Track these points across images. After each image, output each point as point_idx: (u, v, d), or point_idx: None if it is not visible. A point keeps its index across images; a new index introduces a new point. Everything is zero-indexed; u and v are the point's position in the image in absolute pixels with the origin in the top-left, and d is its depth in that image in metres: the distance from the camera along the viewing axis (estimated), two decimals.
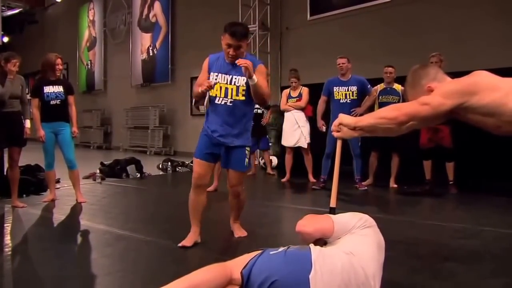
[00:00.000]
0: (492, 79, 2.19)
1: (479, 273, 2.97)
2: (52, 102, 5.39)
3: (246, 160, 3.64)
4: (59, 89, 5.46)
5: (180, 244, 3.53)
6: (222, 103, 3.46)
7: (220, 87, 3.46)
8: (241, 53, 3.42)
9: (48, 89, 5.39)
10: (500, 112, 2.08)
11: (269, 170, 8.53)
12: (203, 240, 3.64)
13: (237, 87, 3.46)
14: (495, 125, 2.14)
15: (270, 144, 9.14)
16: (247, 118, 3.62)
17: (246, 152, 3.62)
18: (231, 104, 3.46)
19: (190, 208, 3.64)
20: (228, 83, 3.46)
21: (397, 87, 6.52)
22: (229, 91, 3.45)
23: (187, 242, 3.56)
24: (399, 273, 2.89)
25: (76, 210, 5.19)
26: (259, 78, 3.40)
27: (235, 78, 3.46)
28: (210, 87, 3.33)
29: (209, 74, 3.50)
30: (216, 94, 3.47)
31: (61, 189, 5.97)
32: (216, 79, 3.45)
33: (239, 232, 3.94)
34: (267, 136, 8.56)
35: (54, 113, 5.41)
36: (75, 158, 5.59)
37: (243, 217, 4.41)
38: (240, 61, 3.25)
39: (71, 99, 5.58)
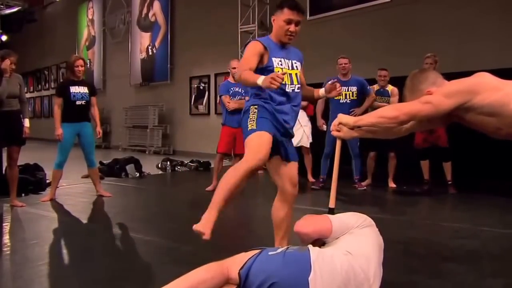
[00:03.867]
0: (494, 80, 2.20)
1: (479, 273, 2.97)
2: (78, 103, 5.55)
3: None
4: (84, 89, 5.63)
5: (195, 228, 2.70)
6: (291, 90, 2.98)
7: (285, 74, 2.89)
8: (298, 32, 3.01)
9: (74, 89, 5.54)
10: (502, 112, 2.08)
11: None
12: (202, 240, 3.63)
13: (296, 73, 3.06)
14: (495, 127, 2.15)
15: None
16: None
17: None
18: (298, 91, 3.05)
19: (233, 191, 2.68)
20: (291, 68, 3.02)
21: (389, 88, 6.56)
22: (294, 76, 3.02)
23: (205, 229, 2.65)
24: (398, 273, 2.89)
25: (74, 209, 5.18)
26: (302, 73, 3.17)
27: (295, 63, 3.07)
28: (280, 85, 2.65)
29: (270, 58, 2.95)
30: (285, 82, 2.93)
31: (60, 188, 5.96)
32: (281, 65, 2.96)
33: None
34: None
35: (79, 113, 5.59)
36: (95, 157, 5.89)
37: (242, 216, 4.41)
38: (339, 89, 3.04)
39: (94, 100, 5.78)
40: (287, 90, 2.95)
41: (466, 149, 6.43)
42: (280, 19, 2.93)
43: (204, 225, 2.62)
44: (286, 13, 2.91)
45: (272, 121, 2.88)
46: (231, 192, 2.67)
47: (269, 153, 2.77)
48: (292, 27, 2.92)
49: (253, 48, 2.93)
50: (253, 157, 2.71)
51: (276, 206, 3.08)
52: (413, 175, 6.45)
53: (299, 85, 3.05)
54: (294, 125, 3.03)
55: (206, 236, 2.59)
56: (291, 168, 3.04)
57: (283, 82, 2.80)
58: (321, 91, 3.19)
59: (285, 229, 3.12)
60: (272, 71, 2.84)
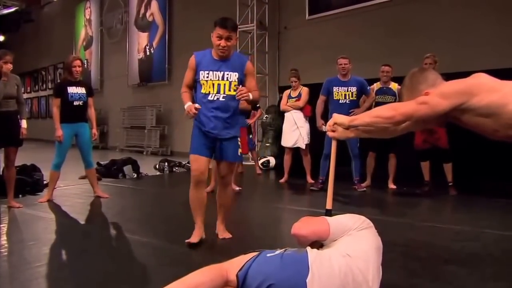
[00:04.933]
0: (492, 81, 2.19)
1: (480, 276, 2.95)
2: (76, 103, 5.55)
3: (239, 150, 3.77)
4: (82, 90, 5.63)
5: (186, 241, 3.58)
6: (215, 99, 3.54)
7: (213, 84, 3.54)
8: (231, 46, 3.54)
9: (72, 90, 5.54)
10: (499, 113, 2.06)
11: (258, 171, 8.46)
12: (200, 241, 3.61)
13: (230, 83, 3.56)
14: (492, 128, 2.13)
15: (267, 145, 9.05)
16: (237, 110, 3.73)
17: (239, 142, 3.74)
18: (224, 100, 3.56)
19: (192, 205, 3.72)
20: (220, 79, 3.55)
21: (393, 86, 6.47)
22: (222, 87, 3.55)
23: (194, 238, 3.62)
24: (398, 276, 2.87)
25: (72, 211, 5.16)
26: (251, 80, 3.68)
27: (227, 74, 3.56)
28: (193, 115, 3.49)
29: (198, 72, 3.57)
30: (209, 91, 3.54)
31: (57, 189, 5.93)
32: (207, 77, 3.54)
33: (224, 234, 3.88)
34: (251, 136, 8.34)
35: (76, 113, 5.60)
36: (92, 158, 5.89)
37: (240, 217, 4.37)
38: (241, 93, 3.45)
39: (91, 100, 5.79)
40: (210, 98, 3.54)
41: (467, 150, 6.40)
42: (214, 36, 3.51)
43: (193, 237, 3.64)
44: (217, 30, 3.48)
45: (200, 139, 3.63)
46: (194, 205, 3.72)
47: (203, 164, 3.64)
48: (222, 42, 3.48)
49: (189, 63, 3.63)
50: (191, 172, 3.71)
51: (218, 191, 3.90)
52: (413, 176, 6.42)
53: (233, 94, 3.55)
54: (220, 127, 3.58)
55: (195, 241, 3.60)
56: (220, 165, 3.73)
57: (207, 92, 3.53)
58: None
59: (219, 204, 3.88)
60: (199, 82, 3.56)
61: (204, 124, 3.59)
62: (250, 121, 7.92)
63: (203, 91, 3.56)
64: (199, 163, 3.63)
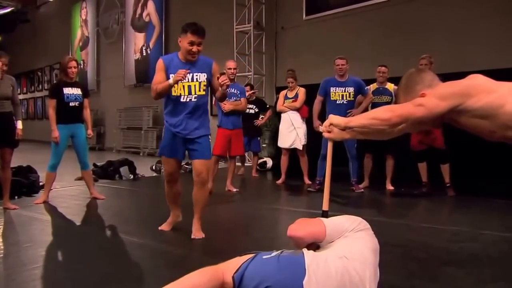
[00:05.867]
0: (488, 82, 2.18)
1: (479, 278, 2.95)
2: (72, 104, 5.56)
3: (211, 148, 3.94)
4: (78, 91, 5.63)
5: (159, 228, 4.13)
6: (187, 100, 3.74)
7: (183, 86, 3.71)
8: (201, 50, 3.73)
9: (68, 91, 5.54)
10: (496, 114, 2.06)
11: (254, 173, 8.35)
12: (197, 243, 3.60)
13: (199, 83, 3.76)
14: (489, 130, 2.12)
15: (263, 145, 8.98)
16: (206, 109, 3.95)
17: (209, 140, 3.89)
18: (195, 100, 3.76)
19: (167, 198, 4.13)
20: (190, 80, 3.72)
21: (390, 86, 6.46)
22: (193, 88, 3.74)
23: (166, 227, 4.14)
24: (396, 277, 2.87)
25: (68, 212, 5.14)
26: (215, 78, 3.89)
27: (196, 75, 3.75)
28: (185, 76, 3.57)
29: (167, 75, 3.70)
30: (180, 93, 3.72)
31: (53, 190, 5.90)
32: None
33: (198, 233, 3.90)
34: (259, 138, 8.32)
35: (72, 114, 5.59)
36: (89, 159, 5.88)
37: (237, 218, 4.34)
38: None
39: (86, 101, 5.78)
40: (182, 100, 3.73)
41: (464, 151, 6.38)
42: (185, 41, 3.66)
43: (165, 225, 4.18)
44: (189, 37, 3.63)
45: (170, 141, 3.88)
46: (168, 198, 4.14)
47: (172, 166, 3.96)
48: (194, 48, 3.66)
49: (158, 66, 3.77)
50: (164, 172, 4.13)
51: (194, 189, 3.93)
52: (411, 177, 6.41)
53: (203, 94, 3.79)
54: (190, 127, 3.78)
55: (164, 228, 4.15)
56: (195, 164, 3.87)
57: (178, 94, 3.71)
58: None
59: (195, 203, 3.93)
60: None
61: (174, 125, 3.80)
62: (258, 122, 7.88)
63: (174, 93, 3.71)
64: (168, 164, 3.97)
